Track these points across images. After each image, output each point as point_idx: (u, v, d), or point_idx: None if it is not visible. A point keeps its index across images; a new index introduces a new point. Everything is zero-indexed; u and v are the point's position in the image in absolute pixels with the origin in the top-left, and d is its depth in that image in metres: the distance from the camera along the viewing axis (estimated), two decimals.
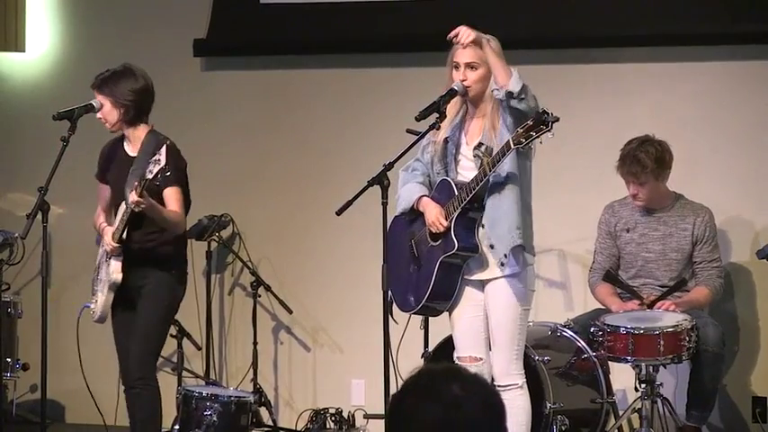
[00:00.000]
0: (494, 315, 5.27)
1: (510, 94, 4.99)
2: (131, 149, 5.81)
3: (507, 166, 5.13)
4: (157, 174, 5.41)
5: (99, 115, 5.76)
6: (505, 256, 5.15)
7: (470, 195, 5.13)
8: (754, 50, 6.70)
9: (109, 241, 5.70)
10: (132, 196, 5.47)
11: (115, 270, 5.72)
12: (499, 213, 5.16)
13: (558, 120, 4.91)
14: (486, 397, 2.63)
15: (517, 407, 5.22)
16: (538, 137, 4.91)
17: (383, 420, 5.32)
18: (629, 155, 6.13)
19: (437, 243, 5.26)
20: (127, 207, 5.62)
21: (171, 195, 5.72)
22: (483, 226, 5.20)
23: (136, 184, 5.45)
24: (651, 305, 6.03)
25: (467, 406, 2.59)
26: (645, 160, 6.09)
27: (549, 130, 4.89)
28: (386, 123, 6.90)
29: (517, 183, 5.17)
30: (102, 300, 5.78)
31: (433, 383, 2.64)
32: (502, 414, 2.66)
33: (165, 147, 5.48)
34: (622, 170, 6.16)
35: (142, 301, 5.77)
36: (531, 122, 4.91)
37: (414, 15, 7.03)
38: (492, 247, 5.18)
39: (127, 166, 5.74)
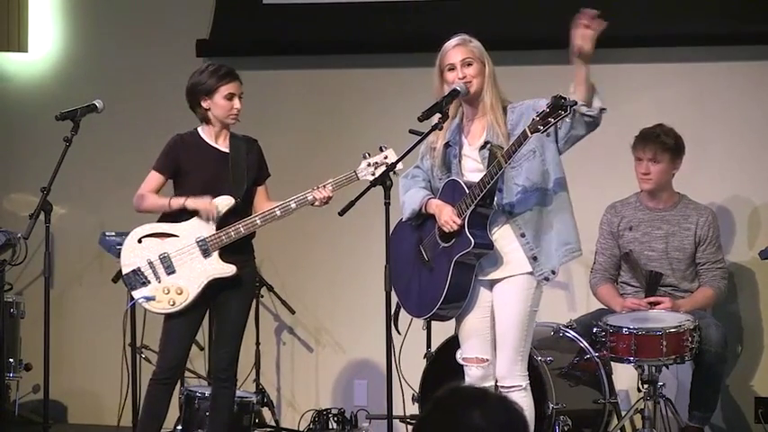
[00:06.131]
0: (501, 316, 5.21)
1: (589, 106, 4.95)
2: (215, 142, 5.72)
3: (552, 170, 5.10)
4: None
5: (239, 105, 5.68)
6: (553, 272, 5.14)
7: (485, 190, 5.03)
8: (756, 51, 6.70)
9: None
10: (327, 191, 5.59)
11: (226, 266, 5.63)
12: (550, 226, 5.12)
13: (575, 104, 4.85)
14: (507, 426, 2.61)
15: None
16: (556, 122, 4.85)
17: (385, 421, 5.30)
18: (649, 133, 6.16)
19: (449, 243, 5.17)
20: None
21: (264, 190, 5.81)
22: (523, 235, 5.12)
23: (333, 182, 5.61)
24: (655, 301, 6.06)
25: None
26: (665, 139, 6.15)
27: (567, 114, 4.82)
28: (388, 123, 6.89)
29: (566, 187, 5.14)
30: (195, 293, 5.59)
31: (455, 410, 2.62)
32: None
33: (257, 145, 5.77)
34: (639, 146, 6.16)
35: (236, 295, 5.69)
36: (548, 108, 4.83)
37: (416, 16, 7.03)
38: (535, 258, 5.12)
39: (220, 159, 5.67)
